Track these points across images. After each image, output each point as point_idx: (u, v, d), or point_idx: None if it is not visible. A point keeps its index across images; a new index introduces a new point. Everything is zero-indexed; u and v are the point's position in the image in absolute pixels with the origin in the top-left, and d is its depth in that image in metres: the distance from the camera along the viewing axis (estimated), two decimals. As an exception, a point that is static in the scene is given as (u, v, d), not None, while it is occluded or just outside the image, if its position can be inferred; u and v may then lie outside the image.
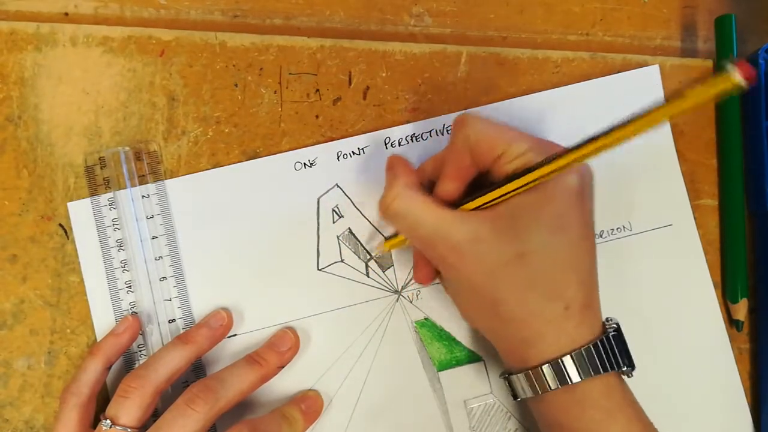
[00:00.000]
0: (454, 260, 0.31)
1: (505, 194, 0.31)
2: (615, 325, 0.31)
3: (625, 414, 0.30)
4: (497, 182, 0.31)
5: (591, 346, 0.30)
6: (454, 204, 0.33)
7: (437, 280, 0.38)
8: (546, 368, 0.30)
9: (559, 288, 0.30)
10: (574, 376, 0.30)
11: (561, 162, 0.28)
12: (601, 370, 0.30)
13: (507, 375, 0.33)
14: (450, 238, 0.31)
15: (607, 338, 0.30)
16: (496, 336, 0.33)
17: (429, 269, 0.36)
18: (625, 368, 0.31)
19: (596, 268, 0.32)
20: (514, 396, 0.32)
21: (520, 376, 0.31)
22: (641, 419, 0.31)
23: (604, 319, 0.32)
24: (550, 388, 0.30)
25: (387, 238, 0.38)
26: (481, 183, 0.34)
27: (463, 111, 0.33)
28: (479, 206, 0.32)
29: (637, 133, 0.25)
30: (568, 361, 0.30)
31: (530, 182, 0.30)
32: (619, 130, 0.26)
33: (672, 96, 0.24)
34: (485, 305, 0.32)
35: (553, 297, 0.30)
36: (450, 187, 0.33)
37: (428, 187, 0.35)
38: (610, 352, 0.30)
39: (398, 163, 0.35)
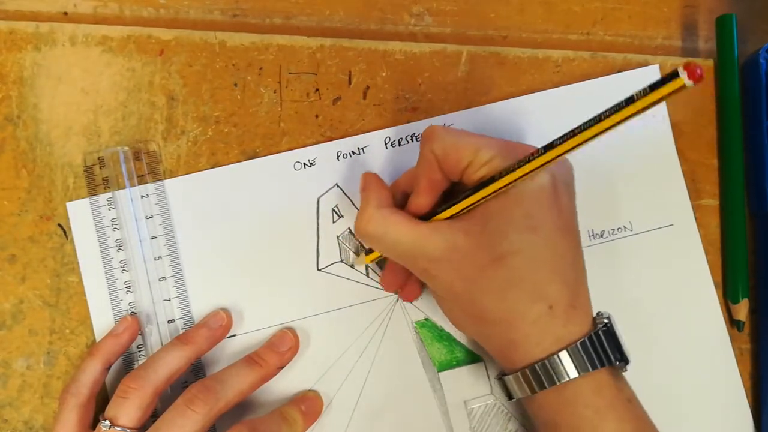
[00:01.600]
0: (434, 272, 0.31)
1: (476, 202, 0.31)
2: (606, 320, 0.31)
3: (617, 411, 0.30)
4: (467, 191, 0.31)
5: (578, 344, 0.30)
6: (429, 216, 0.33)
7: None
8: (534, 368, 0.30)
9: (541, 288, 0.30)
10: (563, 374, 0.29)
11: (527, 167, 0.28)
12: (590, 367, 0.29)
13: (501, 376, 0.33)
14: (427, 251, 0.31)
15: (596, 335, 0.30)
16: (485, 340, 0.33)
17: (397, 279, 0.37)
18: (617, 363, 0.30)
19: (582, 266, 0.32)
20: (509, 396, 0.32)
21: (511, 377, 0.31)
22: (636, 416, 0.30)
23: (595, 313, 0.32)
24: (540, 388, 0.30)
25: (367, 252, 0.38)
26: (455, 192, 0.34)
27: (431, 124, 0.33)
28: (452, 215, 0.32)
29: (595, 136, 0.26)
30: (555, 360, 0.30)
31: (500, 188, 0.30)
32: (578, 136, 0.26)
33: (624, 101, 0.24)
34: (470, 311, 0.32)
35: (535, 297, 0.30)
36: (423, 200, 0.33)
37: (403, 200, 0.35)
38: (599, 349, 0.30)
39: (371, 182, 0.35)
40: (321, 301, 0.38)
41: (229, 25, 0.41)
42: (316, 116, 0.39)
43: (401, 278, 0.37)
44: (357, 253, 0.39)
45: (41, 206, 0.38)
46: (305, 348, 0.38)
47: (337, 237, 0.39)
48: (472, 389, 0.38)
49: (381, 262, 0.39)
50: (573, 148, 0.27)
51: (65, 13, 0.40)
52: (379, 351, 0.38)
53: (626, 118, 0.24)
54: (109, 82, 0.39)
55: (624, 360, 0.31)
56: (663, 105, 0.40)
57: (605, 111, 0.25)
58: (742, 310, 0.39)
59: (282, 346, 0.37)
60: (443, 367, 0.38)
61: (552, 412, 0.31)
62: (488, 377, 0.38)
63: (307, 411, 0.36)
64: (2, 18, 0.39)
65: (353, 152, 0.39)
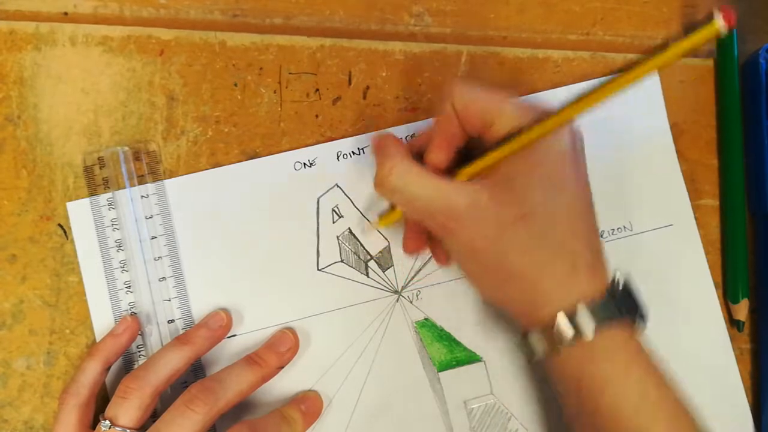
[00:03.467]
0: (454, 227, 0.31)
1: (502, 158, 0.31)
2: (624, 279, 0.31)
3: (640, 366, 0.30)
4: (490, 147, 0.31)
5: (601, 300, 0.30)
6: (444, 173, 0.33)
7: (436, 280, 0.38)
8: (560, 324, 0.30)
9: (565, 246, 0.30)
10: (588, 329, 0.30)
11: (552, 122, 0.29)
12: (612, 323, 0.30)
13: (524, 334, 0.33)
14: (449, 207, 0.31)
15: (617, 291, 0.31)
16: (506, 299, 0.33)
17: (418, 242, 0.37)
18: (637, 319, 0.31)
19: (597, 226, 0.32)
20: (530, 357, 0.33)
21: (536, 334, 0.31)
22: (656, 371, 0.31)
23: (613, 272, 0.32)
24: (565, 343, 0.30)
25: (380, 215, 0.37)
26: (468, 154, 0.34)
27: (455, 81, 0.33)
28: (474, 173, 0.32)
29: (622, 88, 0.26)
30: (581, 315, 0.30)
31: (526, 143, 0.30)
32: (606, 87, 0.26)
33: (656, 50, 0.24)
34: (491, 270, 0.32)
35: (559, 255, 0.30)
36: (439, 156, 0.33)
37: (418, 161, 0.35)
38: (621, 305, 0.30)
39: (388, 140, 0.35)
40: (321, 301, 0.38)
41: (229, 25, 0.41)
42: (316, 116, 0.40)
43: (423, 240, 0.37)
44: (356, 254, 0.39)
45: (41, 206, 0.38)
46: (305, 348, 0.38)
47: (337, 237, 0.39)
48: (472, 389, 0.38)
49: (383, 260, 0.39)
50: (601, 100, 0.27)
51: (65, 14, 0.40)
52: (379, 351, 0.38)
53: (653, 70, 0.24)
54: (109, 82, 0.39)
55: (643, 318, 0.31)
56: (662, 104, 0.40)
57: (632, 63, 0.25)
58: (742, 310, 0.39)
59: (282, 346, 0.37)
60: (443, 367, 0.38)
61: (574, 368, 0.31)
62: (488, 377, 0.38)
63: (307, 411, 0.36)
64: (2, 18, 0.39)
65: (353, 152, 0.39)
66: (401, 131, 0.39)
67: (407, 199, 0.33)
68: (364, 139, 0.39)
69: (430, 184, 0.32)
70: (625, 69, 0.26)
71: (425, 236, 0.37)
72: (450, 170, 0.33)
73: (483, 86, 0.33)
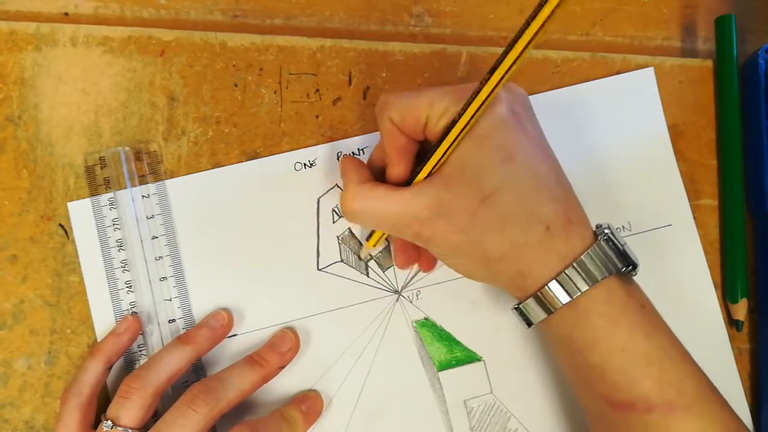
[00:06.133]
0: (428, 233, 0.32)
1: (446, 151, 0.31)
2: (606, 230, 0.31)
3: (628, 318, 0.30)
4: (433, 145, 0.31)
5: (583, 258, 0.30)
6: (411, 182, 0.33)
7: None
8: (546, 290, 0.30)
9: (533, 213, 0.30)
10: (574, 290, 0.30)
11: (479, 98, 0.29)
12: (598, 277, 0.30)
13: (517, 306, 0.33)
14: (415, 214, 0.31)
15: (599, 245, 0.31)
16: (495, 279, 0.33)
17: (408, 254, 0.37)
18: (624, 270, 0.31)
19: (567, 183, 0.32)
20: (528, 324, 0.33)
21: (528, 302, 0.32)
22: (648, 321, 0.31)
23: (594, 225, 0.32)
24: (555, 308, 0.31)
25: (367, 238, 0.38)
26: (426, 150, 0.34)
27: (383, 95, 0.33)
28: (429, 173, 0.32)
29: (534, 41, 0.26)
30: (564, 277, 0.30)
31: (462, 129, 0.30)
32: (517, 45, 0.26)
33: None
34: (474, 258, 0.32)
35: (530, 223, 0.30)
36: (398, 169, 0.34)
37: (381, 175, 0.35)
38: (605, 258, 0.30)
39: (348, 165, 0.35)
40: (321, 301, 0.38)
41: (230, 26, 0.41)
42: (317, 117, 0.40)
43: (413, 253, 0.37)
44: (356, 254, 0.39)
45: (42, 206, 0.38)
46: (305, 348, 0.38)
47: (337, 237, 0.39)
48: (471, 388, 0.38)
49: (383, 260, 0.39)
50: (515, 62, 0.27)
51: (66, 14, 0.40)
52: (379, 351, 0.38)
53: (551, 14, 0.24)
54: (109, 82, 0.39)
55: (631, 265, 0.31)
56: (659, 104, 0.40)
57: (529, 16, 0.25)
58: (741, 310, 0.39)
59: (283, 346, 0.37)
60: (443, 366, 0.38)
61: (568, 328, 0.31)
62: (488, 376, 0.38)
63: (307, 411, 0.36)
64: (3, 18, 0.39)
65: (353, 153, 0.39)
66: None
67: (378, 220, 0.33)
68: (364, 139, 0.39)
69: (390, 198, 0.32)
70: (521, 29, 0.26)
71: (413, 248, 0.37)
72: (415, 174, 0.33)
73: (411, 91, 0.33)
